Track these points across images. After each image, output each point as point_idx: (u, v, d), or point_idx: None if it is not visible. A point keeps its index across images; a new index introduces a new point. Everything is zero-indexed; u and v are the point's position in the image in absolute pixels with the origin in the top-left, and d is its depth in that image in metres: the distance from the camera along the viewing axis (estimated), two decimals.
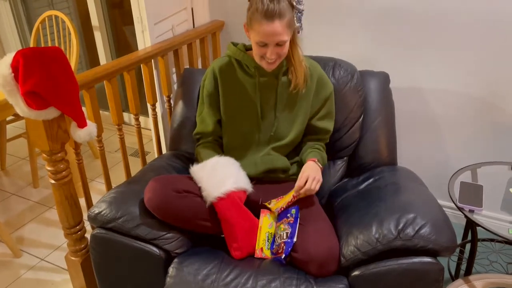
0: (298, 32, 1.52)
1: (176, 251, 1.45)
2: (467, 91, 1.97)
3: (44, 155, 1.56)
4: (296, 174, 1.64)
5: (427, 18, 1.92)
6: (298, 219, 1.43)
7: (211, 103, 1.64)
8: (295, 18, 1.45)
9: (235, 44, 1.62)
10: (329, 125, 1.67)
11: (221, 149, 1.66)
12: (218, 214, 1.44)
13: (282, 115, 1.60)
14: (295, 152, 1.67)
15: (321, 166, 1.56)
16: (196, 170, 1.53)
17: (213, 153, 1.61)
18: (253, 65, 1.55)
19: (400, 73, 2.06)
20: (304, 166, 1.54)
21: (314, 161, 1.55)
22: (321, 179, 1.50)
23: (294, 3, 1.42)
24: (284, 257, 1.36)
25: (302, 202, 1.52)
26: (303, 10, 1.47)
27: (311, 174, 1.48)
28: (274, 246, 1.42)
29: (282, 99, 1.58)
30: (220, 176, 1.47)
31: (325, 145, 1.70)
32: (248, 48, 1.60)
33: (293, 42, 1.52)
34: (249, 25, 1.45)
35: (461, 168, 1.80)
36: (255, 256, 1.44)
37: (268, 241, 1.46)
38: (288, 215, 1.45)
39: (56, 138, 1.53)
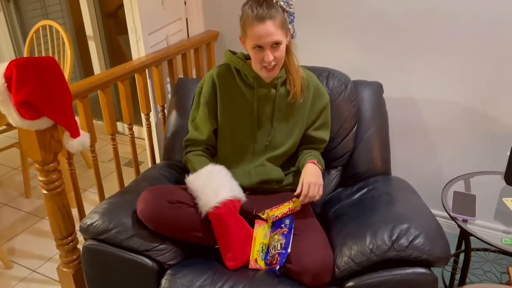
0: (293, 37, 1.53)
1: (169, 262, 1.43)
2: (460, 101, 1.99)
3: (37, 165, 1.55)
4: (291, 184, 1.65)
5: (420, 28, 1.94)
6: (292, 229, 1.42)
7: (209, 111, 1.61)
8: (288, 22, 1.45)
9: (233, 52, 1.62)
10: (325, 135, 1.67)
11: (212, 158, 1.65)
12: (213, 223, 1.43)
13: (278, 126, 1.60)
14: (290, 162, 1.67)
15: (321, 168, 1.56)
16: (192, 179, 1.51)
17: (206, 160, 1.60)
18: (252, 75, 1.55)
19: (393, 83, 2.08)
20: (303, 170, 1.52)
21: (314, 162, 1.54)
22: (322, 183, 1.49)
23: (284, 6, 1.43)
24: (279, 268, 1.35)
25: (297, 213, 1.51)
26: (293, 13, 1.48)
27: (312, 180, 1.47)
28: (268, 257, 1.41)
29: (280, 110, 1.58)
30: (215, 185, 1.46)
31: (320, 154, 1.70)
32: (247, 58, 1.59)
33: (288, 50, 1.52)
34: (244, 34, 1.46)
35: (454, 178, 1.81)
36: (249, 267, 1.43)
37: (262, 251, 1.45)
38: (282, 225, 1.45)
39: (48, 148, 1.52)
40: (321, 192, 1.47)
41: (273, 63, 1.45)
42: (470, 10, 1.82)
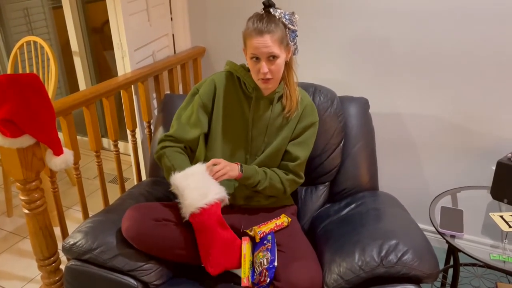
0: (294, 53, 1.53)
1: (155, 282, 1.40)
2: (445, 116, 2.01)
3: (18, 184, 1.51)
4: (278, 201, 1.63)
5: (406, 46, 1.97)
6: (275, 244, 1.41)
7: (202, 115, 1.57)
8: (288, 38, 1.46)
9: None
10: (300, 153, 1.58)
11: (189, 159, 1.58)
12: (196, 225, 1.39)
13: (269, 140, 1.58)
14: None
15: (241, 173, 1.49)
16: (179, 178, 1.44)
17: (185, 159, 1.54)
18: (252, 85, 1.54)
19: (379, 98, 2.09)
20: None
21: (238, 164, 1.51)
22: (230, 171, 1.46)
23: (287, 23, 1.44)
24: (269, 281, 1.33)
25: (286, 230, 1.50)
26: (296, 30, 1.49)
27: (225, 163, 1.46)
28: (255, 276, 1.39)
29: (273, 125, 1.57)
30: (203, 186, 1.42)
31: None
32: (248, 70, 1.58)
33: (289, 66, 1.53)
34: (244, 44, 1.48)
35: (441, 193, 1.81)
36: (242, 285, 1.40)
37: (250, 269, 1.43)
38: (265, 242, 1.44)
39: (30, 167, 1.48)
40: (220, 173, 1.43)
41: (268, 76, 1.44)
42: (455, 27, 1.85)
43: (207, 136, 1.61)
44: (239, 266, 1.43)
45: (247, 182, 1.52)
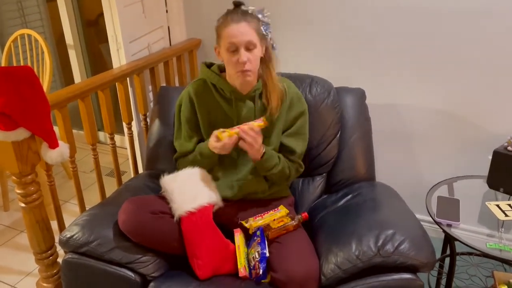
0: (274, 48, 1.52)
1: (152, 274, 1.40)
2: (441, 106, 2.01)
3: (14, 177, 1.50)
4: (275, 192, 1.63)
5: (402, 36, 1.96)
6: (265, 237, 1.42)
7: (191, 128, 1.61)
8: (263, 31, 1.46)
9: (208, 65, 1.60)
10: (295, 144, 1.58)
11: None
12: (185, 228, 1.40)
13: (266, 135, 1.57)
14: None
15: (263, 150, 1.47)
16: (168, 181, 1.49)
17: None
18: (229, 89, 1.53)
19: (376, 89, 2.09)
20: None
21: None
22: (254, 147, 1.41)
23: (260, 16, 1.45)
24: (263, 271, 1.34)
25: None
26: (268, 24, 1.48)
27: (260, 138, 1.42)
28: (251, 272, 1.39)
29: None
30: (192, 189, 1.44)
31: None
32: (222, 70, 1.58)
33: (265, 63, 1.51)
34: (218, 38, 1.46)
35: (438, 183, 1.82)
36: (239, 275, 1.40)
37: (246, 259, 1.43)
38: (255, 237, 1.45)
39: (26, 160, 1.47)
40: (247, 133, 1.39)
41: (248, 67, 1.42)
42: (452, 20, 1.85)
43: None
44: (233, 271, 1.43)
45: (265, 164, 1.49)
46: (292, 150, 1.58)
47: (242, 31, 1.39)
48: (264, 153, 1.47)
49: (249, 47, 1.41)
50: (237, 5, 1.45)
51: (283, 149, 1.59)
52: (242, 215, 1.56)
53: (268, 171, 1.52)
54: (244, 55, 1.40)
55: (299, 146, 1.59)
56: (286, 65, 2.23)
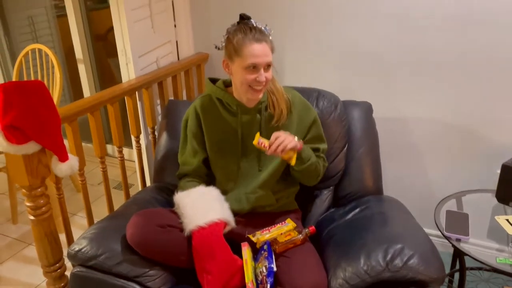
0: None
1: None
2: (449, 119, 2.00)
3: (24, 190, 1.52)
4: (283, 206, 1.63)
5: (408, 49, 1.97)
6: (272, 252, 1.41)
7: (197, 143, 1.62)
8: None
9: (213, 80, 1.62)
10: (316, 145, 1.61)
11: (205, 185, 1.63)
12: (195, 243, 1.39)
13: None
14: (282, 184, 1.64)
15: (301, 142, 1.47)
16: (181, 196, 1.50)
17: (198, 185, 1.58)
18: (234, 103, 1.55)
19: (382, 103, 2.09)
20: None
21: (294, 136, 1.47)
22: (292, 140, 1.40)
23: (270, 36, 1.48)
24: (270, 286, 1.33)
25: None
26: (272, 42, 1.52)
27: (283, 134, 1.40)
28: (259, 286, 1.39)
29: (267, 134, 1.57)
30: (205, 205, 1.45)
31: None
32: (227, 85, 1.60)
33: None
34: (235, 55, 1.45)
35: (446, 197, 1.81)
36: None
37: (253, 273, 1.42)
38: (262, 252, 1.44)
39: (36, 173, 1.49)
40: (282, 146, 1.38)
41: (264, 84, 1.46)
42: (457, 31, 1.86)
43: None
44: (240, 286, 1.42)
45: (303, 155, 1.49)
46: (315, 148, 1.60)
47: (265, 52, 1.42)
48: (301, 143, 1.47)
49: (267, 67, 1.45)
50: (245, 18, 1.47)
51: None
52: (249, 229, 1.56)
53: (304, 164, 1.50)
54: (263, 75, 1.43)
55: (321, 145, 1.63)
56: (293, 79, 2.25)
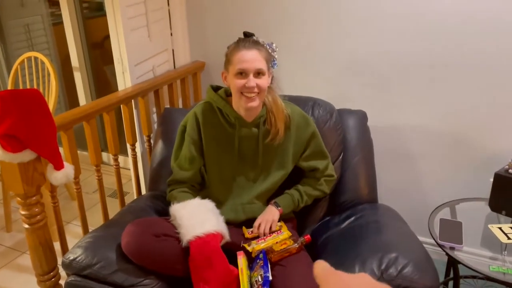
0: (271, 83, 1.57)
1: None
2: (443, 128, 2.02)
3: (19, 198, 1.51)
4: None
5: (403, 59, 2.00)
6: (267, 260, 1.42)
7: (195, 149, 1.61)
8: (271, 63, 1.51)
9: (214, 88, 1.62)
10: (314, 163, 1.64)
11: (196, 195, 1.61)
12: (193, 253, 1.38)
13: (265, 163, 1.60)
14: (278, 196, 1.65)
15: (278, 208, 1.59)
16: (178, 208, 1.50)
17: (191, 197, 1.58)
18: (234, 115, 1.55)
19: (377, 111, 2.11)
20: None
21: (272, 203, 1.60)
22: (272, 219, 1.55)
23: (270, 51, 1.50)
24: None
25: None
26: (275, 59, 1.53)
27: (263, 219, 1.54)
28: None
29: (264, 148, 1.58)
30: (201, 216, 1.45)
31: None
32: (228, 94, 1.61)
33: (271, 90, 1.56)
34: (228, 64, 1.48)
35: (440, 205, 1.82)
36: None
37: (249, 282, 1.42)
38: (258, 260, 1.44)
39: (31, 181, 1.49)
40: (273, 227, 1.54)
41: (255, 91, 1.45)
42: (450, 40, 1.88)
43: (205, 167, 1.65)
44: None
45: (288, 211, 1.62)
46: (313, 169, 1.64)
47: (253, 58, 1.43)
48: (280, 209, 1.60)
49: (258, 75, 1.45)
50: (248, 35, 1.50)
51: (306, 170, 1.65)
52: (245, 239, 1.56)
53: (297, 207, 1.64)
54: (252, 80, 1.43)
55: (318, 163, 1.64)
56: (288, 87, 2.26)
